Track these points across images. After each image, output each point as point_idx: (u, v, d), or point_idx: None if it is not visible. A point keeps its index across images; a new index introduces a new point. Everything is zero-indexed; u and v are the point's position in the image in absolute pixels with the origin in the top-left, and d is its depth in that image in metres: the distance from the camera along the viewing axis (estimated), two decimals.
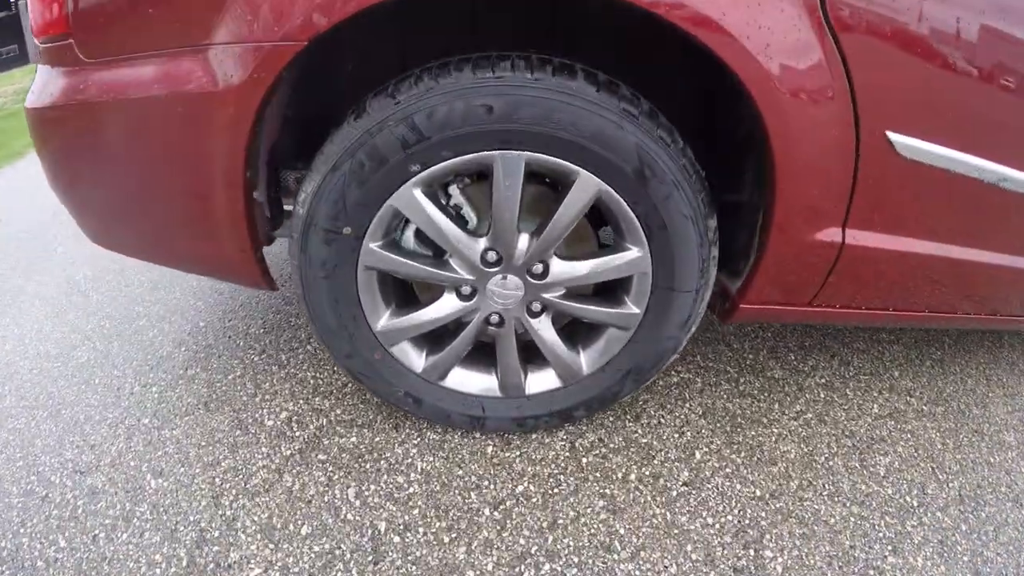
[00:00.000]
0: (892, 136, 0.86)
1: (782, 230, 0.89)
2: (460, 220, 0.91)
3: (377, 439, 1.15)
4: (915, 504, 1.12)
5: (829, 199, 0.89)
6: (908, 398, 1.42)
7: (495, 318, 0.97)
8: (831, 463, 1.19)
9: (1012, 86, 0.86)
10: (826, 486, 1.14)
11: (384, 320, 0.97)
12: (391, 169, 0.79)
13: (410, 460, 1.10)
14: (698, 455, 1.16)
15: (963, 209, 0.98)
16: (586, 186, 0.80)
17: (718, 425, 1.24)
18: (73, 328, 1.62)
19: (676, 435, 1.20)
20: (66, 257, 2.11)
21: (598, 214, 0.91)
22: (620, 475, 1.09)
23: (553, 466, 1.10)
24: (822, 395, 1.39)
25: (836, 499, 1.11)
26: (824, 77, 0.78)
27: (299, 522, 1.00)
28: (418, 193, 0.82)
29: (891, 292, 1.10)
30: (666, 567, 0.94)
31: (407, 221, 0.91)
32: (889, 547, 1.03)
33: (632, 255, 0.88)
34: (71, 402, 1.33)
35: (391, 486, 1.05)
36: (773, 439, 1.23)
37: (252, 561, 0.95)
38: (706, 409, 1.29)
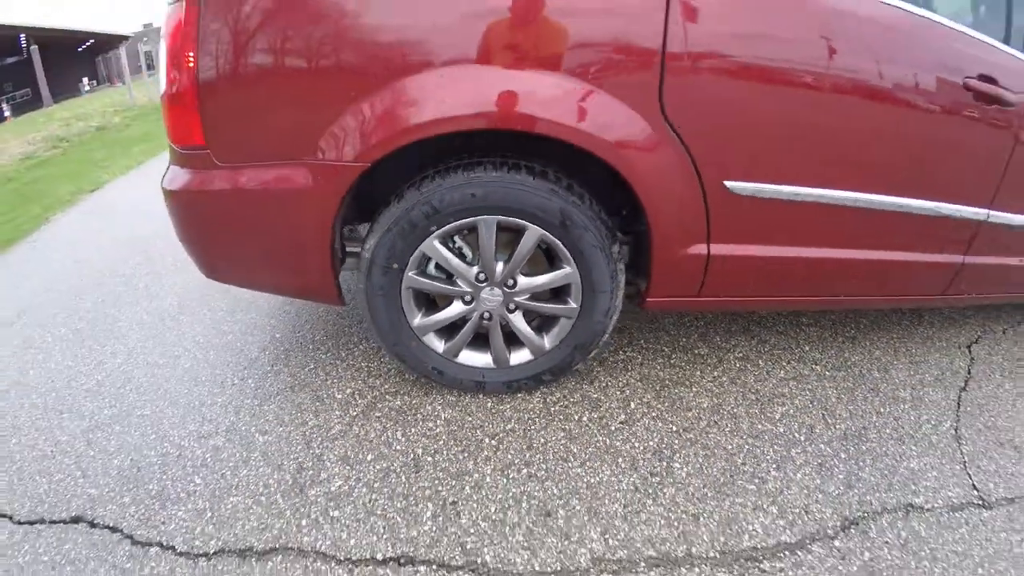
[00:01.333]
0: (727, 183, 1.42)
1: (660, 250, 1.46)
2: (461, 256, 1.51)
3: (414, 402, 1.73)
4: (802, 439, 1.59)
5: (691, 227, 1.46)
6: (813, 365, 1.93)
7: (487, 315, 1.56)
8: (735, 411, 1.71)
9: (806, 137, 1.41)
10: (728, 425, 1.66)
11: (418, 320, 1.56)
12: (420, 230, 1.39)
13: (437, 413, 1.68)
14: (632, 405, 1.72)
15: (799, 221, 1.51)
16: (532, 234, 1.40)
17: (650, 386, 1.80)
18: (173, 344, 2.20)
19: (618, 393, 1.77)
20: (149, 290, 2.69)
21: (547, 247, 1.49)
22: (576, 417, 1.66)
23: (532, 412, 1.67)
24: (737, 365, 1.93)
25: (735, 434, 1.62)
26: (667, 151, 1.35)
27: (365, 453, 1.57)
28: (436, 243, 1.42)
29: (761, 283, 1.64)
30: (602, 470, 1.50)
31: (430, 258, 1.50)
32: (774, 465, 1.52)
33: (567, 271, 1.46)
34: (185, 393, 1.90)
35: (425, 429, 1.63)
36: (691, 395, 1.77)
37: (337, 477, 1.51)
38: (642, 376, 1.85)
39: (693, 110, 1.34)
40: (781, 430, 1.66)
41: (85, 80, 37.65)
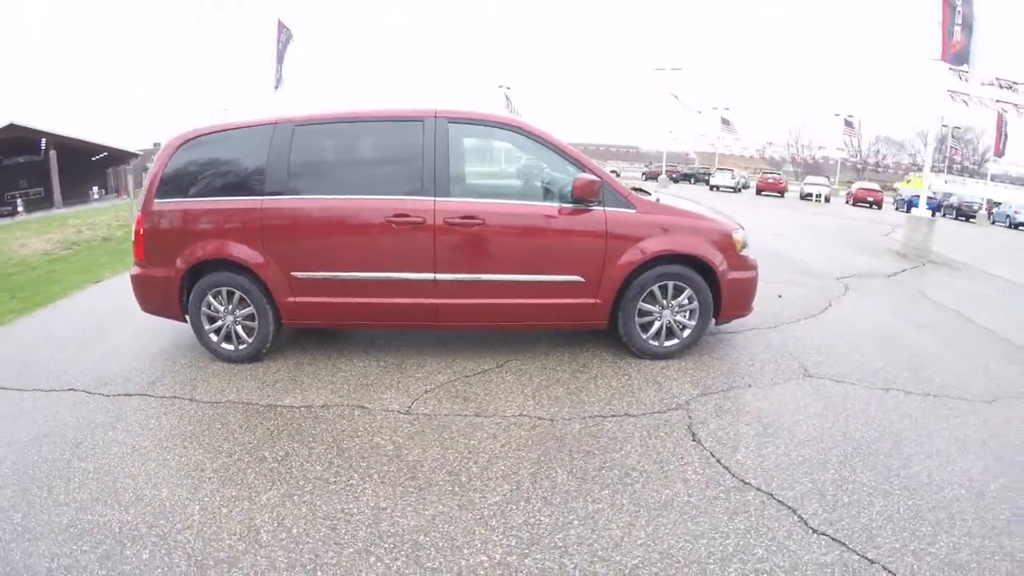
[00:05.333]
0: (293, 273, 4.75)
1: (277, 300, 4.79)
2: (219, 301, 4.83)
3: (209, 361, 4.96)
4: (369, 381, 4.84)
5: (286, 291, 4.75)
6: (395, 364, 5.17)
7: (228, 326, 4.87)
8: (386, 378, 4.94)
9: (323, 252, 4.75)
10: (326, 372, 4.86)
11: (207, 326, 4.87)
12: (205, 291, 4.75)
13: (216, 365, 4.91)
14: (285, 365, 4.93)
15: (330, 286, 4.77)
16: (237, 294, 4.78)
17: (293, 365, 5.02)
18: (158, 333, 5.44)
19: (284, 364, 4.96)
20: (134, 320, 5.96)
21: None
22: (258, 371, 4.87)
23: (244, 367, 4.88)
24: (356, 365, 5.16)
25: (333, 374, 4.84)
26: (271, 263, 4.70)
27: (203, 375, 4.77)
28: (211, 297, 4.78)
29: (330, 314, 4.92)
30: (267, 381, 4.70)
31: (210, 302, 4.81)
32: (352, 386, 4.75)
33: (251, 308, 4.80)
34: (164, 345, 5.11)
35: (215, 368, 4.84)
36: (322, 364, 4.98)
37: (190, 376, 4.71)
38: (297, 361, 5.07)
39: (274, 245, 4.69)
40: (373, 378, 4.82)
41: (95, 188, 42.94)
